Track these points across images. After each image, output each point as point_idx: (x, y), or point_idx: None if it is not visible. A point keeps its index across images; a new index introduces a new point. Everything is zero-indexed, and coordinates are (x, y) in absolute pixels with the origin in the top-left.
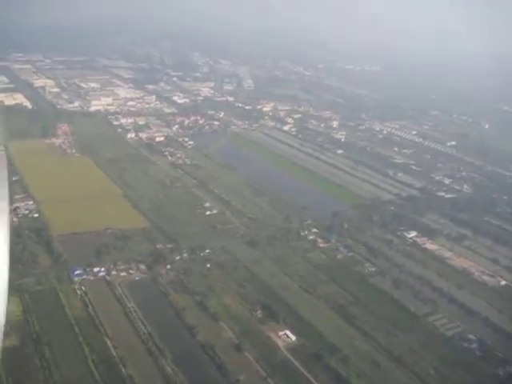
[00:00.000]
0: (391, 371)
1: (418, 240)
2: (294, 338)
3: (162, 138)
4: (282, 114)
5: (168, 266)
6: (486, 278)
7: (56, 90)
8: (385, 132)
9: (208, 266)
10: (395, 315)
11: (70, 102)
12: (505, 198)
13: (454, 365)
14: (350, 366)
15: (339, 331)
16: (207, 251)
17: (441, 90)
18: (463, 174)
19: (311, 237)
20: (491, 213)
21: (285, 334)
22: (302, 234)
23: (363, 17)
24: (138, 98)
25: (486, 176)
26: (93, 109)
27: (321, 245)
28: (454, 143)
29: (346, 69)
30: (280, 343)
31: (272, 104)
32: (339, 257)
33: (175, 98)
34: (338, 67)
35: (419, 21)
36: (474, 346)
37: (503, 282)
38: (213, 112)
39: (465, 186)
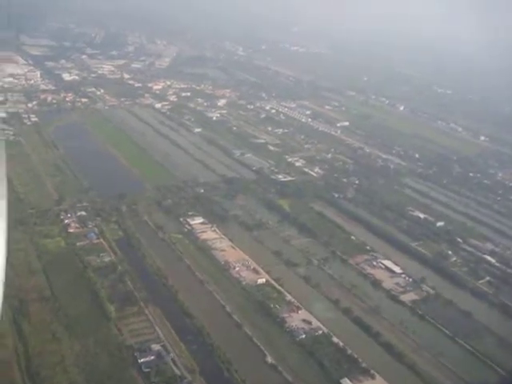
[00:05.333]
0: None
1: (200, 227)
2: None
3: (3, 115)
4: (170, 92)
5: None
6: (246, 274)
7: None
8: (273, 111)
9: None
10: (82, 317)
11: None
12: (356, 182)
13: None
14: None
15: None
16: None
17: (379, 73)
18: (328, 156)
19: (68, 221)
20: (324, 199)
21: None
22: (62, 217)
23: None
24: (19, 75)
25: (354, 159)
26: None
27: (71, 230)
28: (346, 124)
29: (289, 50)
30: None
31: (168, 82)
32: (79, 244)
33: (65, 75)
34: (281, 48)
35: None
36: (150, 358)
37: (262, 281)
38: (93, 89)
39: (316, 169)
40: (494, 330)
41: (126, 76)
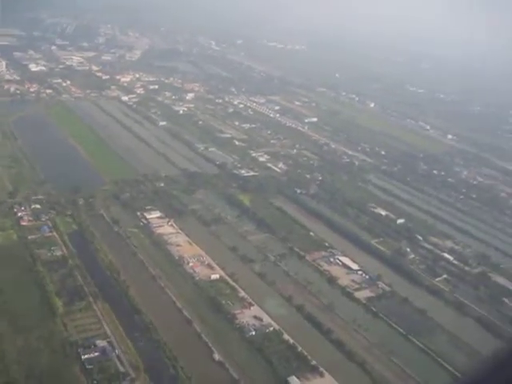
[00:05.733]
0: None
1: (156, 222)
2: None
3: None
4: (138, 84)
5: None
6: (200, 269)
7: None
8: (241, 106)
9: None
10: (27, 312)
11: None
12: (320, 178)
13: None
14: None
15: None
16: None
17: (353, 70)
18: (293, 151)
19: (21, 214)
20: (285, 194)
21: None
22: (15, 210)
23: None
24: None
25: (319, 155)
26: None
27: (24, 223)
28: (314, 120)
29: (266, 46)
30: None
31: (137, 75)
32: (31, 237)
33: (32, 65)
34: (258, 44)
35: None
36: (94, 355)
37: (215, 276)
38: (59, 80)
39: (280, 165)
40: (448, 327)
41: (95, 68)
